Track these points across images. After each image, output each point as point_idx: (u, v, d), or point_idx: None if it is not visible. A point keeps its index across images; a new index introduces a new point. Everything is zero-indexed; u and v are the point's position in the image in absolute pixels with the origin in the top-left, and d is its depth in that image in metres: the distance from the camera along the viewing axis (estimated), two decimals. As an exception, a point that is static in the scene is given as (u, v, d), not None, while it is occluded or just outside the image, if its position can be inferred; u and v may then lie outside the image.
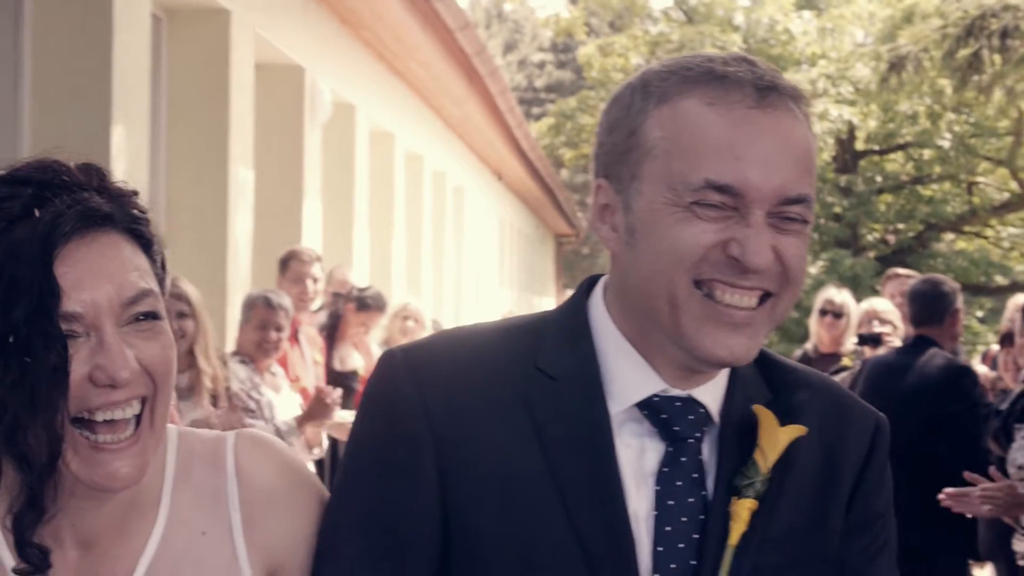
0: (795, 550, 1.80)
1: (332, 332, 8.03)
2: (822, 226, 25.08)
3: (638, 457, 1.79)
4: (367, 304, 8.12)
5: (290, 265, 7.41)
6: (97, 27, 6.41)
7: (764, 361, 1.87)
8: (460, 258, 17.99)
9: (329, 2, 10.03)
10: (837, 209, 25.23)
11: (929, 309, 6.59)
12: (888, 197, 26.32)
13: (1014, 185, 25.75)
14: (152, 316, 1.72)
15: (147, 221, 1.77)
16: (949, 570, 6.52)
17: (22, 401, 1.64)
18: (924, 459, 6.15)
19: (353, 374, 7.98)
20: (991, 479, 5.43)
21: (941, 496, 5.53)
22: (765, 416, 1.78)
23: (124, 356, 1.69)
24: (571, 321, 1.84)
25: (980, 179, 26.54)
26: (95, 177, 1.75)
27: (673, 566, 1.75)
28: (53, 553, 1.73)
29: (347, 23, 10.70)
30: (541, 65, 43.00)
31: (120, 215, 1.74)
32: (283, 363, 6.76)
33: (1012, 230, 27.17)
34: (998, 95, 11.43)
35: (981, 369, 8.52)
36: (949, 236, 27.92)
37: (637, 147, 1.73)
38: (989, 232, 27.73)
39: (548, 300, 30.54)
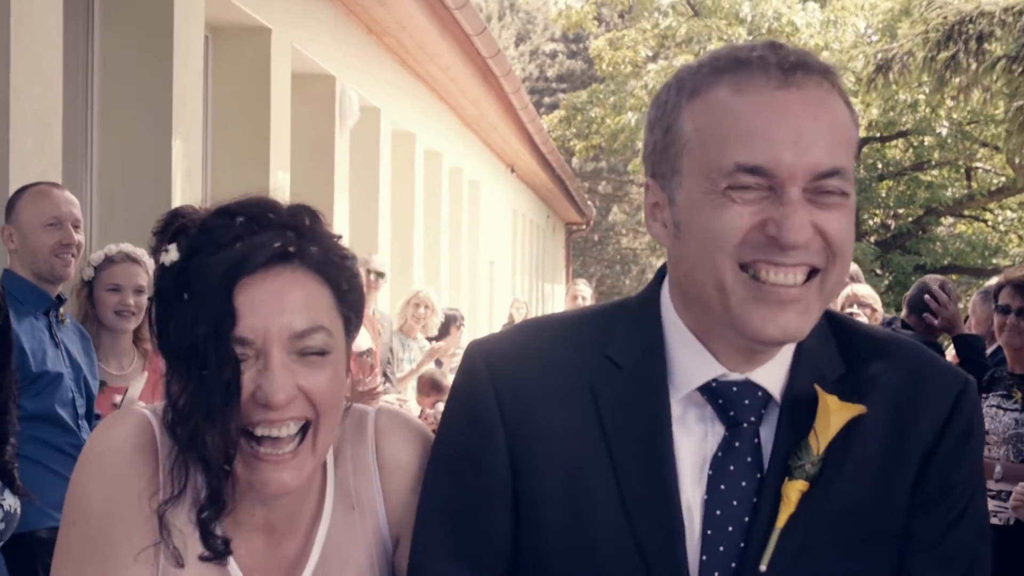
0: (851, 529, 1.79)
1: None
2: None
3: (700, 443, 1.80)
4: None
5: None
6: (158, 46, 7.10)
7: (842, 331, 1.87)
8: (475, 247, 18.61)
9: (357, 13, 10.72)
10: None
11: (911, 301, 7.31)
12: (889, 183, 26.82)
13: (1011, 171, 26.31)
14: (320, 352, 1.82)
15: (338, 263, 1.88)
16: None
17: (201, 410, 1.78)
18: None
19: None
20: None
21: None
22: (823, 397, 1.77)
23: (283, 382, 1.78)
24: (643, 310, 1.87)
25: (978, 165, 27.07)
26: (304, 217, 1.87)
27: (721, 548, 1.77)
28: (241, 538, 1.87)
29: (373, 32, 11.40)
30: (553, 55, 43.34)
31: (310, 255, 1.84)
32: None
33: (1009, 214, 27.74)
34: (976, 95, 12.16)
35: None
36: (948, 220, 28.40)
37: (675, 142, 1.74)
38: (988, 216, 28.22)
39: (559, 287, 30.97)
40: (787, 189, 1.67)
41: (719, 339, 1.78)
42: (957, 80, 11.69)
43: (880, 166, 26.76)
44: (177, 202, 7.08)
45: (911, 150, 27.12)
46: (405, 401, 8.55)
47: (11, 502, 3.74)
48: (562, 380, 1.81)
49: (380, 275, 9.16)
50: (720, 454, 1.77)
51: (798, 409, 1.78)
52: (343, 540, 1.92)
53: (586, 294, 13.29)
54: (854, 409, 1.76)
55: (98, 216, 7.03)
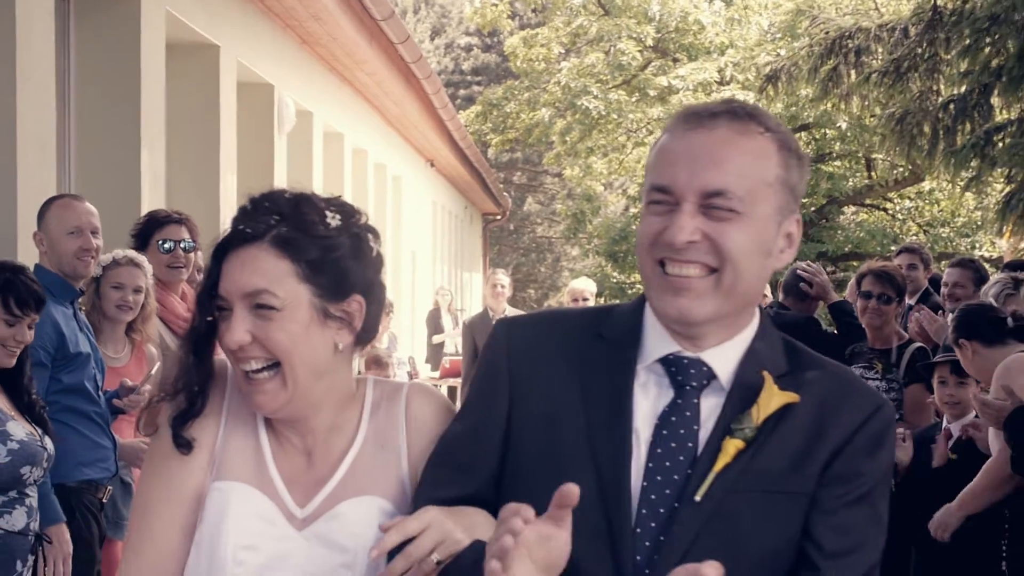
0: (770, 484, 2.10)
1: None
2: None
3: (655, 402, 2.16)
4: None
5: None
6: (127, 66, 7.87)
7: (792, 347, 2.24)
8: (399, 239, 19.14)
9: (293, 27, 11.44)
10: None
11: (786, 286, 8.22)
12: None
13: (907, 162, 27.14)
14: (268, 307, 2.24)
15: (308, 242, 2.25)
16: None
17: (197, 340, 2.33)
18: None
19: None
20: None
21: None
22: (768, 381, 2.13)
23: (237, 329, 2.24)
24: (635, 303, 2.26)
25: (878, 156, 27.90)
26: (291, 205, 2.28)
27: (659, 478, 2.11)
28: (286, 458, 2.34)
29: (306, 43, 12.11)
30: (468, 49, 43.58)
31: (277, 235, 2.25)
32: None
33: (908, 203, 28.32)
34: (856, 103, 13.19)
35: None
36: (851, 209, 28.91)
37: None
38: (888, 205, 28.74)
39: (477, 275, 31.46)
40: (682, 204, 2.06)
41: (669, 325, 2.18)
42: (838, 90, 12.76)
43: None
44: (145, 205, 7.91)
45: (813, 142, 27.68)
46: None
47: (50, 445, 4.68)
48: (561, 346, 2.22)
49: None
50: (667, 410, 2.14)
51: (744, 389, 2.13)
52: (367, 470, 2.34)
53: (504, 282, 14.05)
54: (790, 397, 2.11)
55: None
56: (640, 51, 26.17)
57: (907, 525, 6.34)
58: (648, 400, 2.16)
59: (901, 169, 25.53)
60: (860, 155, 27.27)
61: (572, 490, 1.88)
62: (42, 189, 6.45)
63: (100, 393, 5.30)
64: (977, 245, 25.93)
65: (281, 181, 11.48)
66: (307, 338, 2.25)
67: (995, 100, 10.37)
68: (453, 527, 2.08)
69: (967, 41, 9.59)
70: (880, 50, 12.00)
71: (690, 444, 2.12)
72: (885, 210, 29.02)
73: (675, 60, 26.27)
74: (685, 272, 2.08)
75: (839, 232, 27.16)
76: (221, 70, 9.61)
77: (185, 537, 2.32)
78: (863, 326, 7.40)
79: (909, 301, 8.47)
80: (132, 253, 5.67)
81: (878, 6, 22.08)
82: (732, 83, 24.84)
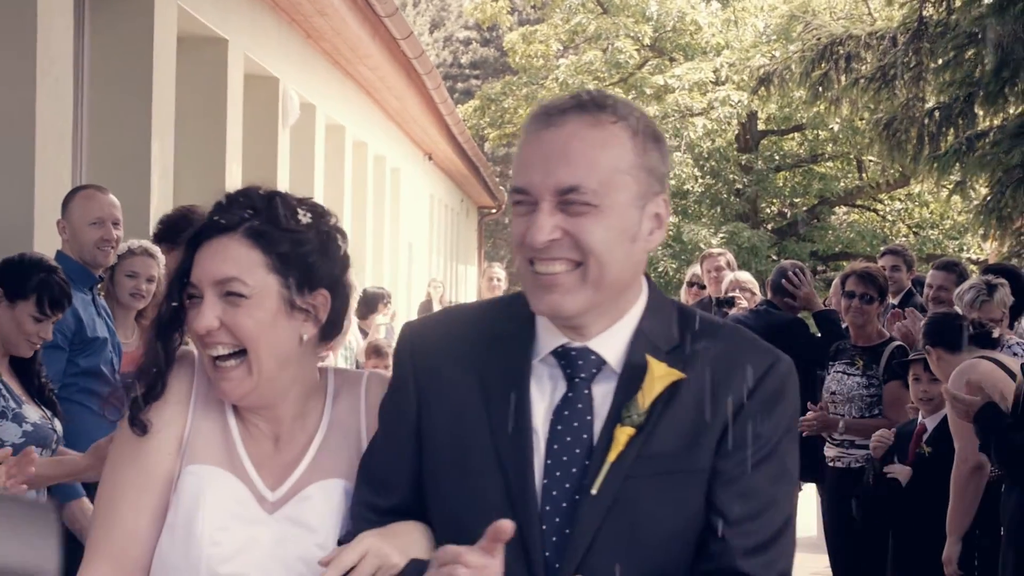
0: (667, 465, 2.10)
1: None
2: (724, 201, 26.33)
3: (550, 394, 2.18)
4: None
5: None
6: (139, 60, 8.13)
7: (685, 316, 2.22)
8: (396, 231, 19.30)
9: (299, 22, 11.67)
10: (739, 185, 26.50)
11: (773, 285, 8.35)
12: (785, 174, 27.57)
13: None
14: (236, 294, 2.33)
15: (279, 235, 2.35)
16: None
17: (162, 325, 2.40)
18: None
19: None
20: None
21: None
22: (651, 363, 2.11)
23: (205, 315, 2.33)
24: (524, 297, 2.24)
25: (869, 158, 28.17)
26: (264, 200, 2.39)
27: (558, 474, 2.12)
28: (254, 444, 2.41)
29: (311, 38, 12.33)
30: (467, 43, 43.67)
31: (250, 228, 2.35)
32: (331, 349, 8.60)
33: (897, 204, 28.62)
34: (845, 107, 13.49)
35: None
36: (843, 209, 29.17)
37: None
38: (878, 206, 29.04)
39: (472, 267, 31.67)
40: (540, 203, 2.09)
41: None
42: (828, 94, 13.06)
43: (777, 158, 27.48)
44: (155, 196, 8.17)
45: (806, 143, 27.92)
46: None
47: (59, 428, 4.89)
48: (460, 346, 2.24)
49: None
50: (560, 405, 2.15)
51: (633, 373, 2.13)
52: (332, 454, 2.42)
53: (501, 276, 14.49)
54: (675, 375, 2.10)
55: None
56: (637, 50, 26.47)
57: (884, 515, 6.64)
58: (544, 396, 2.18)
59: (892, 172, 25.74)
60: (852, 157, 27.47)
61: (506, 527, 1.96)
62: (58, 179, 6.72)
63: (117, 376, 5.56)
64: (965, 248, 26.13)
65: (284, 172, 11.72)
66: (273, 327, 2.34)
67: (978, 108, 10.67)
68: (390, 551, 2.13)
69: (951, 54, 9.89)
70: (869, 57, 12.30)
71: (585, 436, 2.13)
72: (876, 211, 29.25)
73: (671, 59, 26.57)
74: (551, 269, 2.10)
75: (830, 232, 27.42)
76: (229, 64, 9.84)
77: (154, 522, 2.37)
78: (848, 323, 7.67)
79: (892, 301, 8.74)
80: (147, 243, 5.90)
81: (871, 11, 22.34)
82: (727, 83, 25.05)
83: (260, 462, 2.41)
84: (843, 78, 12.40)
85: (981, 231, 11.12)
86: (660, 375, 2.10)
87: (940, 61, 10.51)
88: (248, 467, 2.39)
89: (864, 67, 12.17)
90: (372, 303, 11.25)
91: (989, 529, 5.89)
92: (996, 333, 6.21)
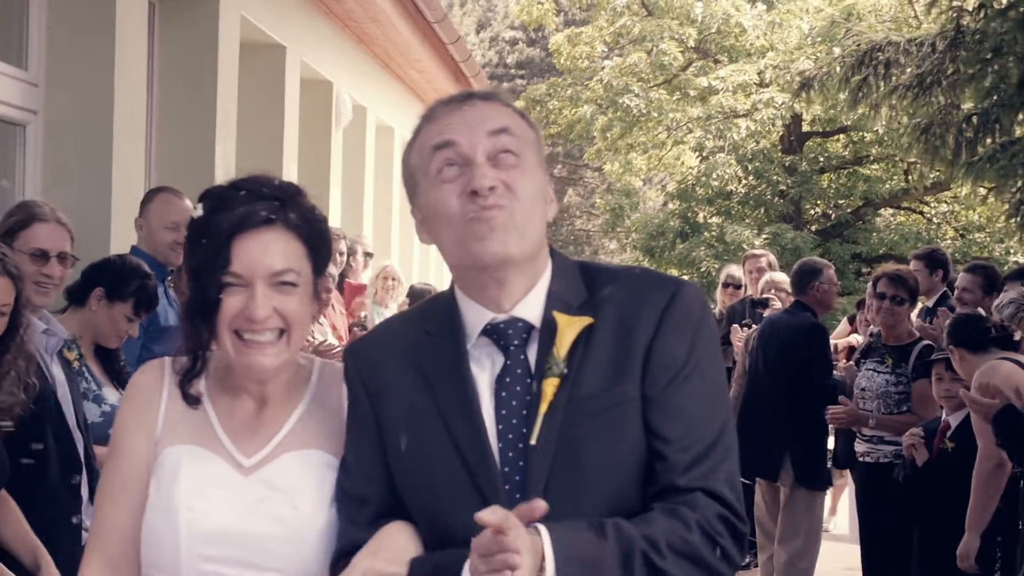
0: (598, 403, 2.22)
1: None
2: (768, 202, 26.28)
3: (490, 370, 2.31)
4: None
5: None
6: (204, 65, 8.51)
7: (589, 271, 2.37)
8: None
9: (352, 28, 12.04)
10: (782, 187, 26.45)
11: (797, 282, 8.66)
12: (830, 176, 27.48)
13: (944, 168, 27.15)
14: (290, 284, 2.45)
15: (311, 226, 2.49)
16: (814, 470, 8.45)
17: (199, 312, 2.47)
18: (794, 391, 8.22)
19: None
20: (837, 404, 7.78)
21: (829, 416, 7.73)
22: (559, 318, 2.26)
23: (264, 305, 2.43)
24: (449, 290, 2.41)
25: (914, 160, 28.00)
26: (288, 191, 2.50)
27: (510, 436, 2.25)
28: (238, 402, 2.55)
29: (363, 42, 12.71)
30: (512, 43, 43.79)
31: (289, 219, 2.46)
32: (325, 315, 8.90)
33: (943, 207, 28.49)
34: (885, 112, 13.68)
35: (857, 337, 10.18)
36: (888, 211, 29.02)
37: (412, 171, 2.43)
38: (924, 209, 28.86)
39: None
40: (473, 157, 2.26)
41: (478, 293, 2.32)
42: (868, 99, 13.28)
43: (822, 160, 27.40)
44: (217, 195, 8.53)
45: (852, 145, 27.72)
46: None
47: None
48: (399, 354, 2.38)
49: (369, 255, 10.64)
50: (501, 373, 2.29)
51: (550, 331, 2.27)
52: (311, 427, 2.55)
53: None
54: (583, 321, 2.26)
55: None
56: (682, 52, 26.54)
57: (909, 508, 6.92)
58: (485, 374, 2.30)
59: (937, 174, 25.67)
60: (897, 159, 27.32)
61: (498, 513, 2.04)
62: (132, 179, 7.14)
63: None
64: (1011, 251, 26.00)
65: (337, 172, 12.09)
66: (307, 308, 2.51)
67: (1005, 118, 10.88)
68: (384, 565, 2.25)
69: (983, 63, 10.11)
70: (908, 63, 12.53)
71: (528, 397, 2.25)
72: (921, 213, 29.01)
73: (716, 61, 26.65)
74: (492, 214, 2.23)
75: (874, 234, 27.32)
76: (287, 69, 10.23)
77: (133, 514, 2.53)
78: (879, 323, 7.93)
79: (927, 303, 9.02)
80: None
81: (917, 14, 22.36)
82: (771, 85, 25.11)
83: (237, 436, 2.53)
84: (882, 84, 12.63)
85: (1019, 236, 11.31)
86: (567, 324, 2.24)
87: (974, 69, 10.73)
88: (225, 441, 2.52)
89: (903, 74, 12.38)
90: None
91: (1008, 525, 6.11)
92: (1018, 336, 6.46)
